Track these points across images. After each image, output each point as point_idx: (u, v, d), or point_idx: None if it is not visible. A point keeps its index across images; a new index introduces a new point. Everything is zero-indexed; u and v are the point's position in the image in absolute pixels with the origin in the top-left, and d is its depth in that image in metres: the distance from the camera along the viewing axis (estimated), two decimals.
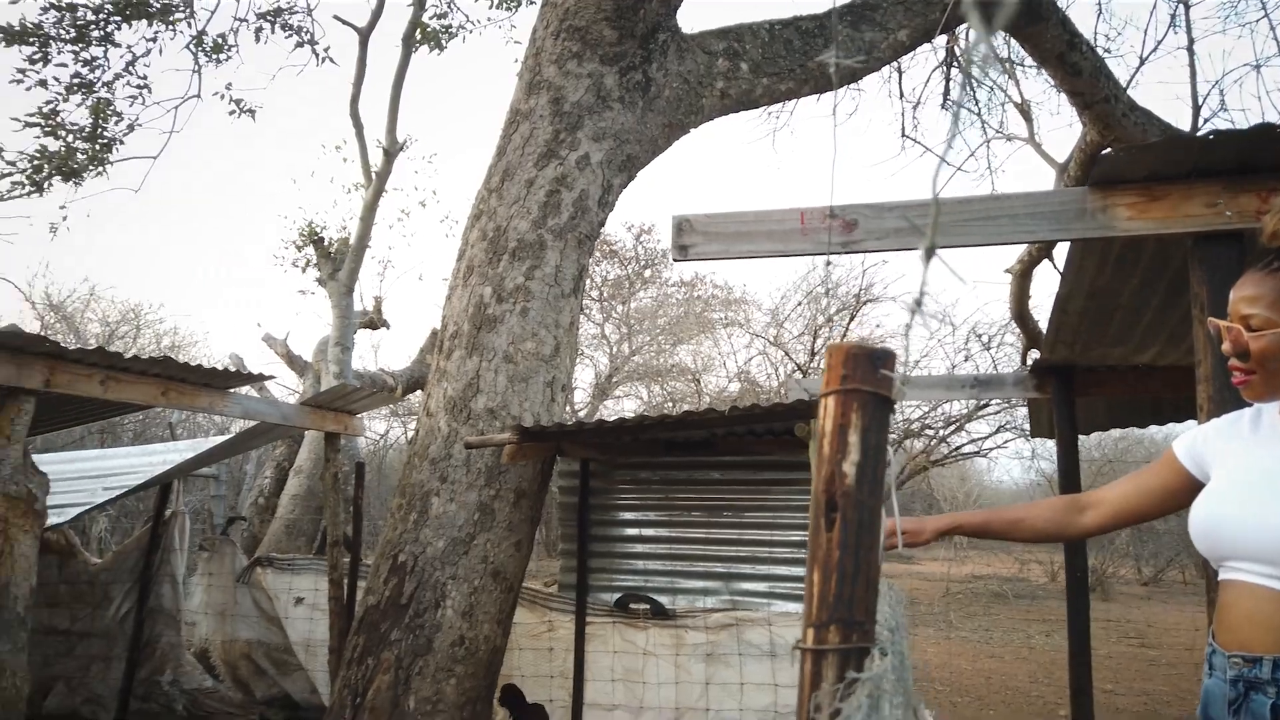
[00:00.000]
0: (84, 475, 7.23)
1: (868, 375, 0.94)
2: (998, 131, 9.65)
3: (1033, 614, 15.35)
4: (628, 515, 6.68)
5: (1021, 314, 7.55)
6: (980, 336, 17.51)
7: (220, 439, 7.79)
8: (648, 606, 6.28)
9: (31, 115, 8.83)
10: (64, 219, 9.54)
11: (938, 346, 21.56)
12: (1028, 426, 7.12)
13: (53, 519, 4.93)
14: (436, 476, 5.69)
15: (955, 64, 8.84)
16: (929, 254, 0.74)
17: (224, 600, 7.56)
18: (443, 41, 11.82)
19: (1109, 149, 4.84)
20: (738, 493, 6.26)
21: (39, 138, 9.02)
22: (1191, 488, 1.98)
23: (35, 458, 4.09)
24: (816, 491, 0.95)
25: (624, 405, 23.42)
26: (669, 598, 6.36)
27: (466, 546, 5.52)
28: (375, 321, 12.79)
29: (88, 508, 6.69)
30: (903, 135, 9.48)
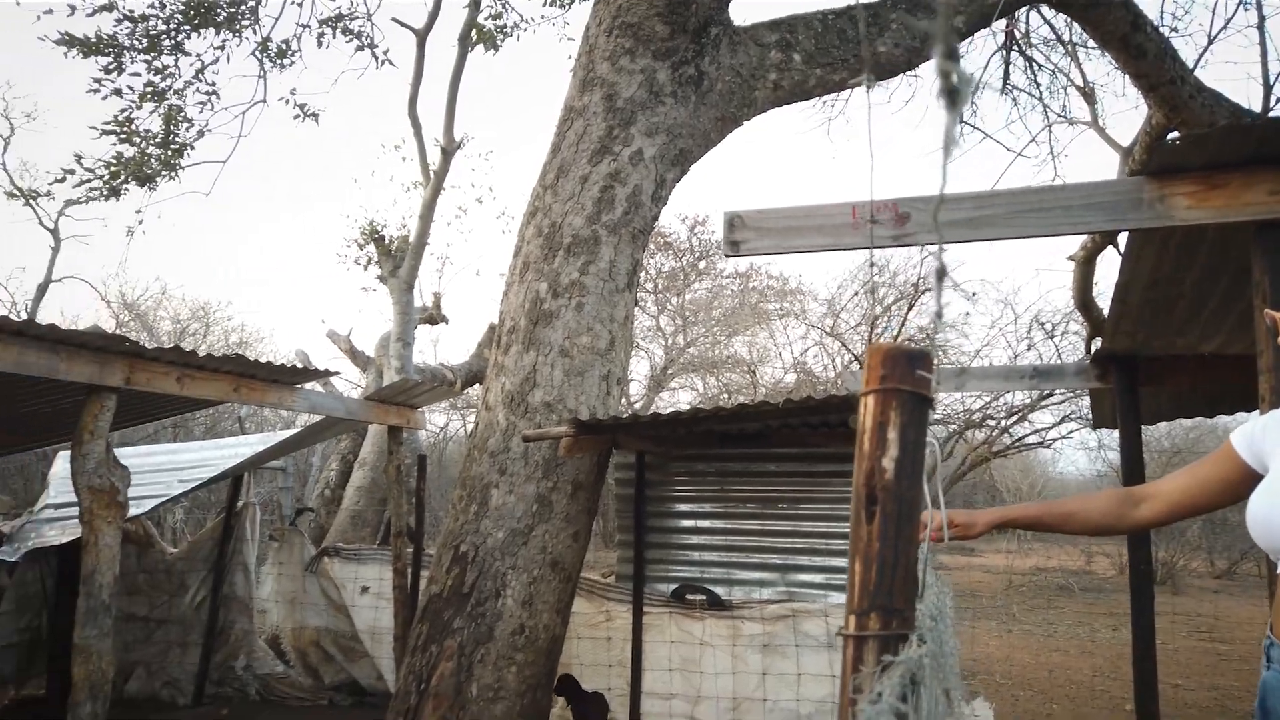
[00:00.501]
0: (160, 469, 7.52)
1: (906, 375, 0.97)
2: (1060, 115, 9.44)
3: (1098, 608, 15.04)
4: (684, 507, 6.74)
5: (1085, 301, 7.41)
6: (1043, 325, 17.15)
7: (287, 433, 8.05)
8: (704, 597, 6.33)
9: (108, 123, 9.19)
10: (139, 222, 9.90)
11: (999, 335, 21.17)
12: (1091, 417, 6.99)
13: (131, 510, 5.15)
14: (496, 469, 5.81)
15: (1015, 48, 8.69)
16: (940, 275, 0.77)
17: (293, 589, 7.81)
18: (497, 41, 11.96)
19: (1174, 133, 4.75)
20: (793, 485, 6.27)
21: (115, 145, 9.39)
22: (1249, 479, 1.95)
23: (114, 452, 4.29)
24: (857, 486, 0.99)
25: (679, 397, 23.47)
26: (725, 589, 6.40)
27: (525, 537, 5.63)
28: (434, 317, 13.04)
29: (164, 500, 6.97)
30: (961, 121, 9.33)
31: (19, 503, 10.26)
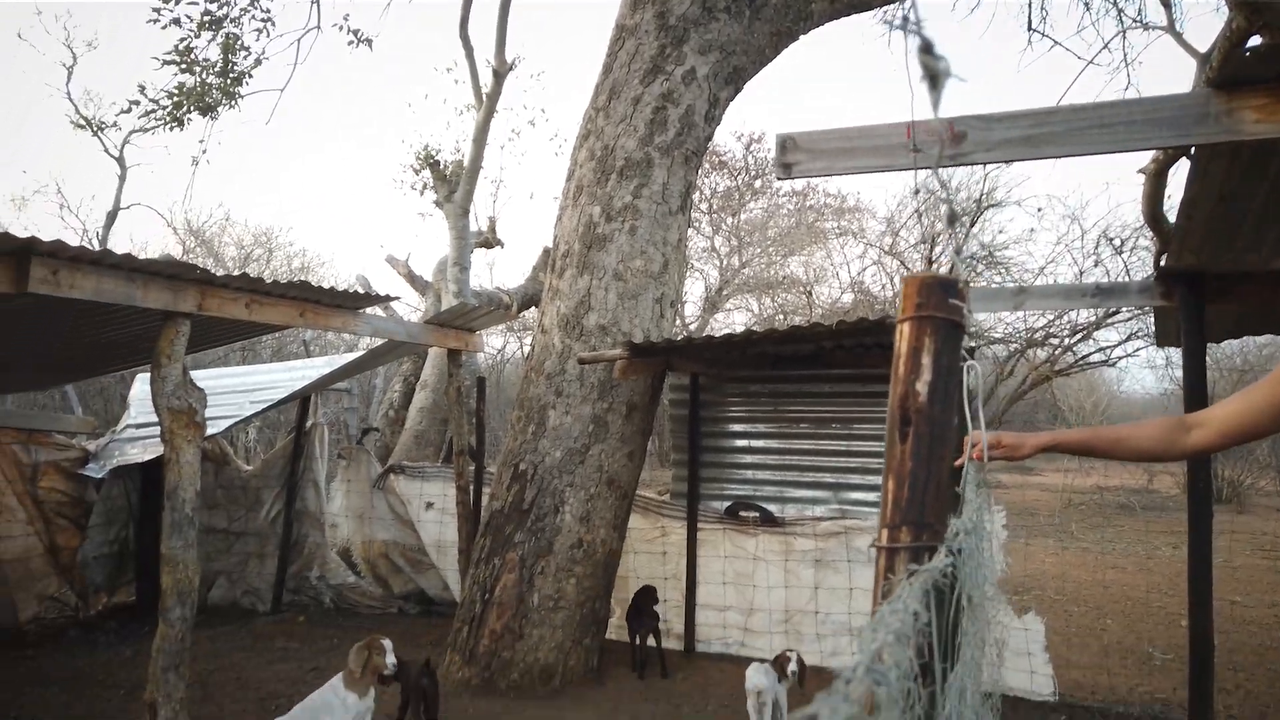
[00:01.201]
0: (232, 390, 7.82)
1: (940, 303, 1.00)
2: (1135, 21, 8.98)
3: (1159, 525, 14.89)
4: (737, 427, 6.82)
5: (1155, 216, 7.14)
6: (1111, 240, 16.60)
7: (351, 356, 8.28)
8: (757, 514, 6.46)
9: (168, 53, 9.31)
10: (203, 151, 10.08)
11: (1064, 252, 20.55)
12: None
13: (207, 430, 5.39)
14: (552, 391, 5.95)
15: None
16: (950, 219, 0.80)
17: (362, 504, 8.15)
18: None
19: (1256, 37, 4.52)
20: (847, 405, 6.30)
21: (176, 75, 9.52)
22: None
23: (190, 375, 4.48)
24: (892, 408, 1.03)
25: (734, 319, 23.37)
26: (778, 506, 6.51)
27: (582, 457, 5.79)
28: (490, 241, 13.14)
29: (237, 420, 7.27)
30: (1029, 29, 8.97)
31: (101, 423, 10.77)
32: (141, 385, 8.67)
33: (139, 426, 8.14)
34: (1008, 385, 19.62)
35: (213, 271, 4.23)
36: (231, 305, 4.43)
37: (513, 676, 5.57)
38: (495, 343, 24.59)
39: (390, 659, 4.03)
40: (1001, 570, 5.54)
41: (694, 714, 5.23)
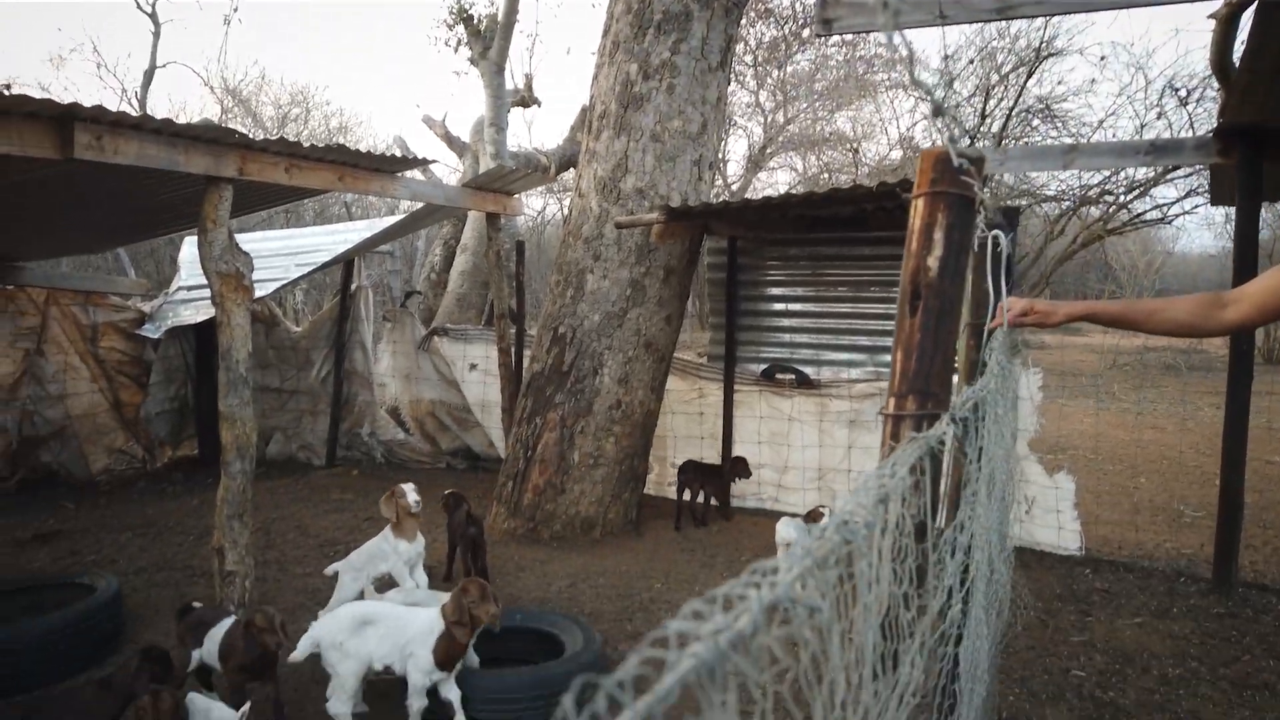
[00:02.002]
0: (277, 254, 7.94)
1: (954, 179, 1.00)
2: None
3: (1204, 386, 14.75)
4: (775, 290, 6.81)
5: (1223, 66, 6.78)
6: (1177, 91, 15.74)
7: (393, 219, 8.32)
8: (793, 376, 6.54)
9: None
10: (234, 10, 9.84)
11: (1126, 104, 19.57)
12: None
13: (255, 293, 5.52)
14: (590, 255, 5.97)
15: None
16: (937, 113, 0.79)
17: (408, 365, 8.37)
18: None
19: None
20: (886, 267, 6.23)
21: None
22: None
23: (236, 238, 4.57)
24: (903, 283, 1.05)
25: (778, 178, 22.84)
26: (814, 368, 6.58)
27: (620, 320, 5.86)
28: (526, 100, 12.84)
29: (284, 283, 7.42)
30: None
31: (154, 284, 11.04)
32: (190, 248, 8.84)
33: (190, 289, 8.36)
34: (1057, 244, 19.15)
35: (252, 136, 4.24)
36: (271, 170, 4.46)
37: (555, 528, 5.85)
38: (535, 204, 24.43)
39: (413, 499, 4.25)
40: (1035, 431, 5.61)
41: (726, 563, 5.48)
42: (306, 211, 18.49)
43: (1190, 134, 14.81)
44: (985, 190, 1.14)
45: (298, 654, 3.20)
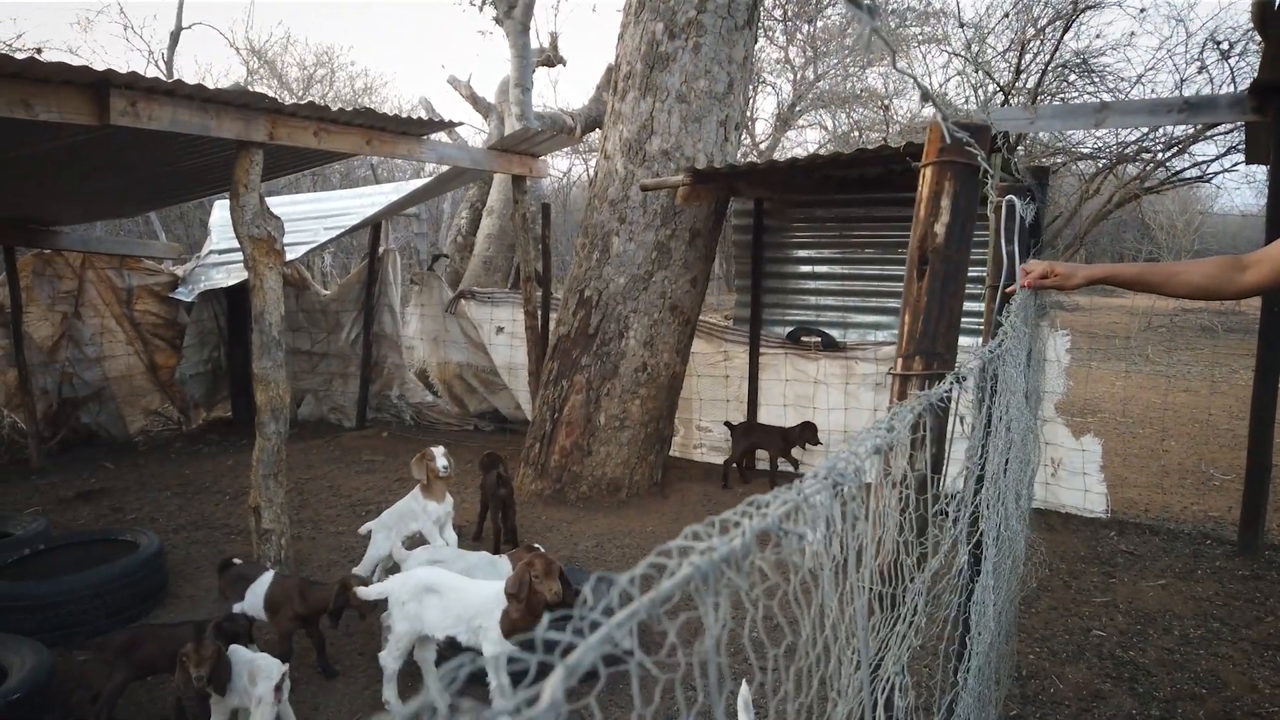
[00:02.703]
0: (305, 217, 8.01)
1: (960, 149, 1.02)
2: None
3: (1240, 348, 14.54)
4: (801, 253, 6.79)
5: (1264, 19, 6.59)
6: (1219, 44, 15.30)
7: (418, 182, 8.35)
8: (819, 339, 6.53)
9: None
10: None
11: (1166, 58, 19.10)
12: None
13: (286, 256, 5.59)
14: (616, 218, 5.98)
15: None
16: (924, 97, 0.80)
17: (435, 328, 8.45)
18: None
19: None
20: (894, 232, 6.19)
21: None
22: None
23: (267, 203, 4.62)
24: (911, 248, 1.08)
25: (807, 136, 22.53)
26: (840, 331, 6.57)
27: (645, 283, 5.88)
28: (552, 59, 12.74)
29: (313, 246, 7.49)
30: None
31: (184, 248, 11.16)
32: (221, 211, 8.93)
33: (221, 252, 8.47)
34: (1092, 204, 18.82)
35: (281, 100, 4.28)
36: (301, 133, 4.50)
37: (582, 489, 5.93)
38: (560, 165, 24.29)
39: (442, 462, 4.33)
40: (1062, 393, 5.59)
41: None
42: (333, 174, 18.55)
43: (1232, 89, 14.40)
44: (999, 155, 1.16)
45: (368, 593, 3.33)
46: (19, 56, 3.25)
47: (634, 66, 5.84)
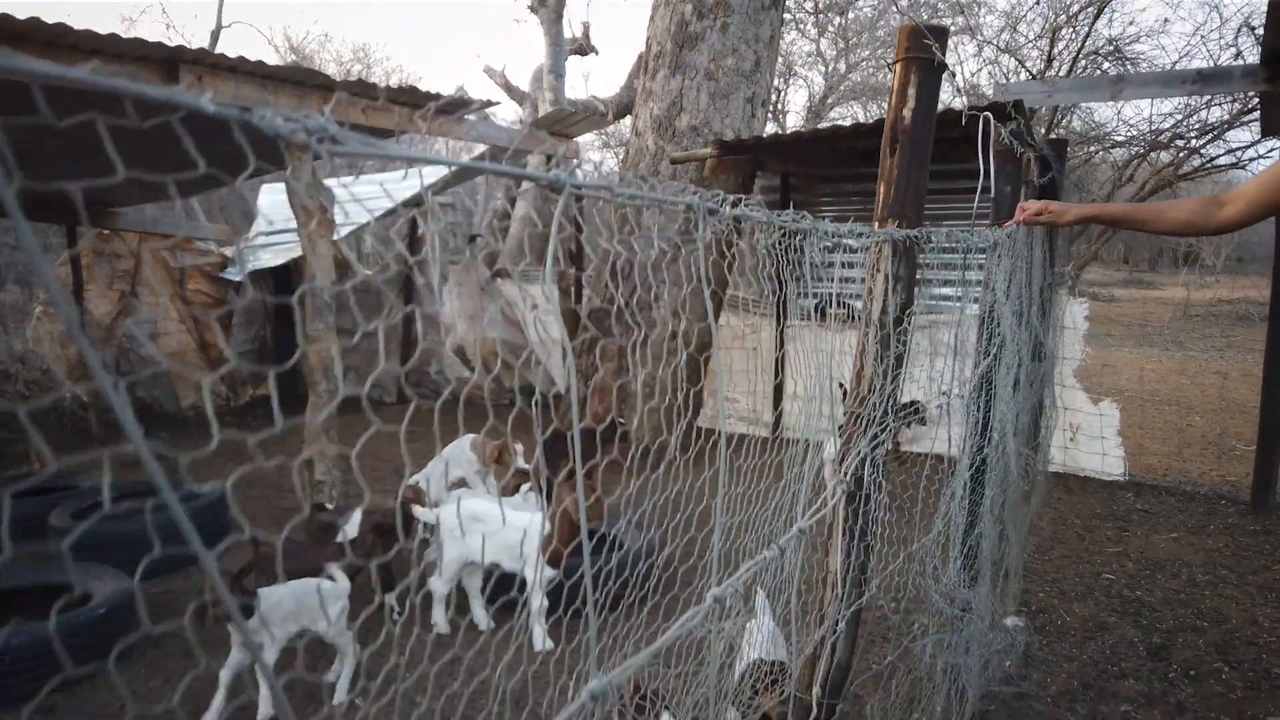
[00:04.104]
0: (345, 201, 8.32)
1: (921, 46, 1.23)
2: None
3: None
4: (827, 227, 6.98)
5: None
6: (1254, 29, 15.20)
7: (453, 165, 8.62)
8: (844, 311, 6.72)
9: None
10: None
11: (1200, 44, 18.93)
12: None
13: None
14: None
15: None
16: None
17: (473, 306, 8.75)
18: None
19: None
20: (936, 201, 6.36)
21: None
22: None
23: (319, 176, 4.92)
24: (886, 131, 1.30)
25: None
26: (863, 303, 6.75)
27: (675, 255, 6.11)
28: (584, 48, 13.01)
29: (356, 226, 7.81)
30: None
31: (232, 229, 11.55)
32: (268, 195, 9.29)
33: (268, 234, 8.82)
34: (1124, 191, 18.76)
35: (331, 78, 4.57)
36: (350, 110, 4.78)
37: (612, 454, 6.18)
38: (592, 158, 24.59)
39: (519, 462, 4.58)
40: (1080, 360, 5.75)
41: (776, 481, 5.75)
42: (368, 163, 18.93)
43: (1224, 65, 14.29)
44: (1015, 122, 1.38)
45: (422, 514, 3.60)
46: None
47: (664, 46, 6.07)
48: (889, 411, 1.51)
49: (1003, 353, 2.39)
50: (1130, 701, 2.97)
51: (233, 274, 8.33)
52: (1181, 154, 18.32)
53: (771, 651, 2.63)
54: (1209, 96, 14.22)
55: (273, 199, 9.11)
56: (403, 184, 8.46)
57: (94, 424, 7.49)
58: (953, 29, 20.25)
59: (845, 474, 1.52)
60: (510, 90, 13.31)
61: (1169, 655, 3.33)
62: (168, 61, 3.82)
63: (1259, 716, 2.88)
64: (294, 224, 8.32)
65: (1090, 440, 5.76)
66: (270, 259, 8.31)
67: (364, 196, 8.44)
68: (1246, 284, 22.10)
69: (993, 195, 2.96)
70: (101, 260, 7.84)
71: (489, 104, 6.03)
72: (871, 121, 4.89)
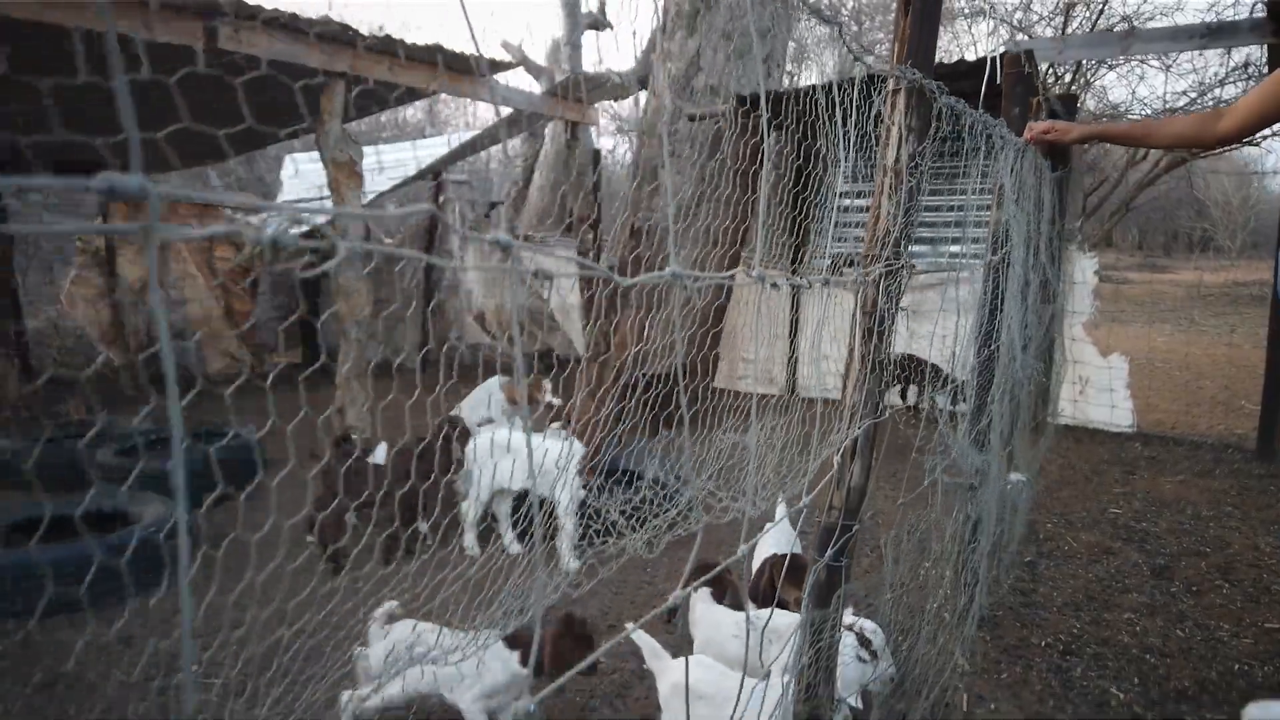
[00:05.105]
0: (366, 169, 8.49)
1: None
2: None
3: None
4: (841, 187, 7.10)
5: None
6: (1273, 2, 15.16)
7: (471, 134, 8.78)
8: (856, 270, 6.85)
9: None
10: None
11: (1214, 19, 18.83)
12: None
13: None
14: (664, 150, 6.33)
15: None
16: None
17: (492, 274, 8.90)
18: None
19: None
20: (947, 159, 6.46)
21: None
22: None
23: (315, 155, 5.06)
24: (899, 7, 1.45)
25: None
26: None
27: (693, 212, 6.24)
28: (599, 23, 13.06)
29: (375, 195, 7.98)
30: None
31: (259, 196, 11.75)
32: (291, 165, 9.46)
33: (292, 203, 8.99)
34: (1139, 169, 18.77)
35: (360, 33, 4.71)
36: (377, 66, 4.93)
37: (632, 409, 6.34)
38: (604, 144, 24.68)
39: (549, 398, 4.78)
40: (1090, 314, 5.86)
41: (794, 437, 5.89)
42: (383, 135, 19.12)
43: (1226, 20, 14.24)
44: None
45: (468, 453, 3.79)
46: None
47: (682, 6, 6.19)
48: (901, 243, 1.67)
49: (1011, 255, 2.53)
50: (1133, 610, 3.12)
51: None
52: None
53: (785, 547, 2.80)
54: (1223, 77, 14.16)
55: (296, 169, 9.29)
56: (425, 151, 8.62)
57: (126, 385, 7.70)
58: (966, 10, 20.25)
59: (866, 304, 1.68)
60: (527, 65, 13.41)
61: (1171, 575, 3.46)
62: (206, 12, 3.97)
63: (1257, 623, 3.02)
64: (314, 194, 8.51)
65: (1099, 393, 5.88)
66: (295, 228, 8.48)
67: (385, 165, 8.60)
68: (1263, 267, 22.05)
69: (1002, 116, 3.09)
70: None
71: (512, 65, 6.17)
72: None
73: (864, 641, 2.00)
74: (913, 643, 2.22)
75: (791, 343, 7.08)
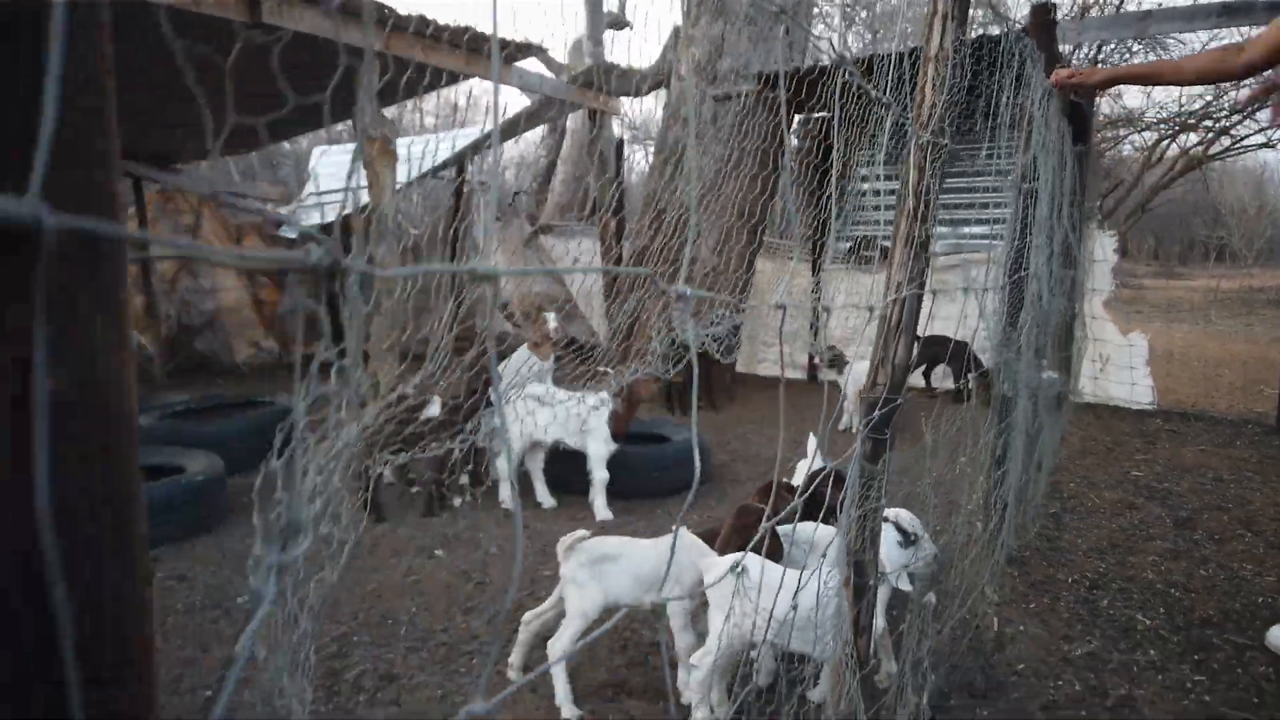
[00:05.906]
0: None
1: None
2: None
3: None
4: (863, 169, 7.18)
5: None
6: None
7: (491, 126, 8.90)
8: (878, 253, 6.93)
9: None
10: None
11: None
12: None
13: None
14: (688, 132, 6.46)
15: None
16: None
17: (516, 261, 9.03)
18: None
19: None
20: (969, 141, 6.54)
21: None
22: None
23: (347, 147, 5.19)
24: None
25: None
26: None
27: (716, 193, 6.34)
28: (620, 21, 13.23)
29: (402, 185, 8.10)
30: None
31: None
32: (319, 156, 9.62)
33: (320, 194, 9.14)
34: (1154, 172, 18.82)
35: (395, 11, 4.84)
36: (409, 46, 5.06)
37: (655, 391, 6.43)
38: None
39: (552, 324, 4.90)
40: (1110, 292, 5.92)
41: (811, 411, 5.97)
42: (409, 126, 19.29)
43: None
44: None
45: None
46: None
47: None
48: (944, 122, 1.76)
49: (1038, 203, 2.62)
50: (1158, 555, 3.19)
51: (288, 231, 8.65)
52: (1210, 134, 18.29)
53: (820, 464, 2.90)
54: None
55: (325, 159, 9.44)
56: (447, 143, 8.75)
57: (158, 372, 7.85)
58: (983, 20, 20.34)
59: (914, 182, 1.77)
60: (549, 63, 13.59)
61: (1194, 526, 3.53)
62: None
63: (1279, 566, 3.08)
64: (343, 184, 8.66)
65: (1119, 370, 5.94)
66: (321, 218, 8.64)
67: (408, 157, 8.73)
68: (1278, 271, 21.97)
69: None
70: (164, 216, 8.20)
71: (543, 50, 6.30)
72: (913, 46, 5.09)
73: (902, 531, 2.09)
74: (949, 541, 2.30)
75: (814, 323, 7.15)
